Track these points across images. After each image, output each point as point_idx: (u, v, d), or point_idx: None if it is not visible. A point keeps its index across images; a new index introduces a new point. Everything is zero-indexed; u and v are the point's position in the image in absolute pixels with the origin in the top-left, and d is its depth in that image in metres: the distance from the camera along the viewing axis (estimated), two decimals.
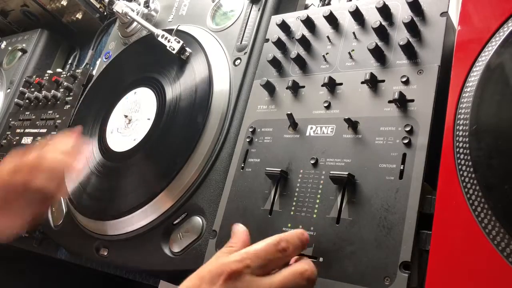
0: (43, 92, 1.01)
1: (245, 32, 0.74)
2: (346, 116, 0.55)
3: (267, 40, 0.70)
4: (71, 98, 0.96)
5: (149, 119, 0.75)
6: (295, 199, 0.55)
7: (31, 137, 0.96)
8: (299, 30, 0.67)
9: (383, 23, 0.58)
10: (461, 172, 0.45)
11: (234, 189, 0.61)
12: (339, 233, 0.51)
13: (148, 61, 0.84)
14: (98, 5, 1.18)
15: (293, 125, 0.60)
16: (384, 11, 0.59)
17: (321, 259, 0.50)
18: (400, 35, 0.57)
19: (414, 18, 0.56)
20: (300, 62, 0.64)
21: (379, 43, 0.58)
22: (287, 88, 0.63)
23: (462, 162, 0.46)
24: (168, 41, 0.77)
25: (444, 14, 0.56)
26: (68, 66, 1.22)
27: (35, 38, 1.19)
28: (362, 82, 0.57)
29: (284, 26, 0.68)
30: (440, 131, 0.49)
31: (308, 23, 0.66)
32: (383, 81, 0.56)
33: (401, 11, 0.59)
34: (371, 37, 0.60)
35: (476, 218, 0.43)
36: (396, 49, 0.57)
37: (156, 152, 0.71)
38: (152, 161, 0.71)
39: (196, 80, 0.73)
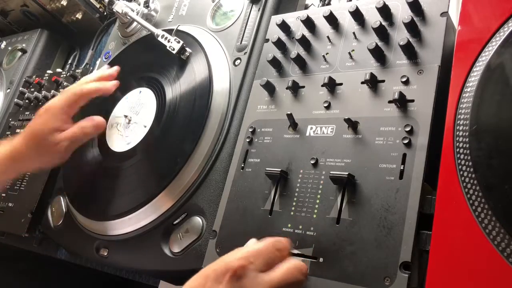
0: (43, 92, 1.01)
1: (245, 32, 0.74)
2: (346, 116, 0.55)
3: (267, 40, 0.70)
4: None
5: (149, 119, 0.75)
6: (295, 199, 0.55)
7: None
8: (299, 30, 0.67)
9: (383, 23, 0.58)
10: (461, 172, 0.45)
11: (234, 189, 0.61)
12: (339, 233, 0.51)
13: (148, 61, 0.84)
14: (98, 5, 1.18)
15: (293, 125, 0.60)
16: (384, 11, 0.59)
17: (321, 259, 0.50)
18: (400, 35, 0.57)
19: (414, 18, 0.56)
20: (300, 62, 0.64)
21: (379, 43, 0.58)
22: (287, 88, 0.63)
23: (462, 162, 0.46)
24: (168, 41, 0.77)
25: (444, 14, 0.56)
26: (68, 66, 1.22)
27: (35, 38, 1.19)
28: (362, 82, 0.57)
29: (284, 26, 0.68)
30: (440, 131, 0.49)
31: (308, 23, 0.66)
32: (383, 81, 0.56)
33: (401, 11, 0.59)
34: (371, 37, 0.60)
35: (476, 218, 0.43)
36: (396, 49, 0.57)
37: (156, 152, 0.71)
38: (151, 161, 0.71)
39: (196, 80, 0.73)
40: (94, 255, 0.72)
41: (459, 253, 0.43)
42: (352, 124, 0.55)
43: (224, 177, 0.64)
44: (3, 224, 0.90)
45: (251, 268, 0.45)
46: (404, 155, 0.50)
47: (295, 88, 0.63)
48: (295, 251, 0.52)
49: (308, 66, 0.64)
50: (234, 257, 0.46)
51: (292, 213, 0.55)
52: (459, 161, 0.46)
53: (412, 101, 0.53)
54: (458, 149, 0.47)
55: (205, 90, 0.70)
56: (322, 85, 0.60)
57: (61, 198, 0.83)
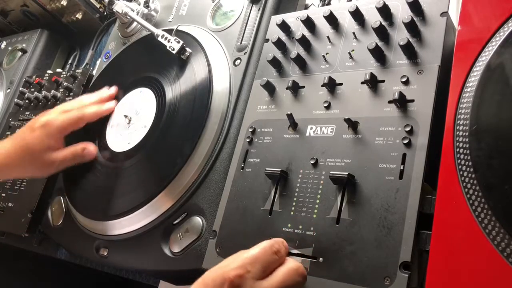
0: (43, 92, 1.01)
1: (245, 32, 0.74)
2: (346, 116, 0.55)
3: (267, 40, 0.70)
4: (71, 98, 0.96)
5: (149, 119, 0.75)
6: (295, 199, 0.55)
7: None
8: (299, 30, 0.67)
9: (383, 23, 0.58)
10: (461, 172, 0.45)
11: (234, 189, 0.61)
12: (339, 233, 0.51)
13: (148, 61, 0.84)
14: (98, 5, 1.18)
15: (293, 125, 0.60)
16: (384, 11, 0.59)
17: (321, 259, 0.50)
18: (400, 35, 0.57)
19: (414, 18, 0.56)
20: (300, 62, 0.64)
21: (379, 43, 0.58)
22: (287, 88, 0.63)
23: (462, 162, 0.46)
24: (168, 41, 0.77)
25: (444, 14, 0.56)
26: (68, 66, 1.22)
27: (35, 38, 1.19)
28: (362, 82, 0.57)
29: (284, 26, 0.68)
30: (440, 131, 0.49)
31: (308, 23, 0.66)
32: (383, 81, 0.56)
33: (401, 11, 0.59)
34: (371, 37, 0.60)
35: (476, 218, 0.43)
36: (396, 49, 0.57)
37: (156, 152, 0.71)
38: (152, 161, 0.71)
39: (196, 80, 0.73)
40: (94, 255, 0.72)
41: (459, 253, 0.43)
42: (352, 124, 0.55)
43: (224, 177, 0.64)
44: (3, 224, 0.90)
45: (248, 277, 0.44)
46: (404, 155, 0.50)
47: (295, 88, 0.63)
48: (295, 251, 0.52)
49: (308, 66, 0.64)
50: (231, 266, 0.45)
51: (292, 213, 0.55)
52: (459, 161, 0.46)
53: (412, 101, 0.53)
54: (458, 149, 0.47)
55: (205, 90, 0.70)
56: (322, 85, 0.60)
57: (61, 198, 0.83)
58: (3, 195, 0.92)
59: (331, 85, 0.60)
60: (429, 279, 0.43)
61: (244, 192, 0.60)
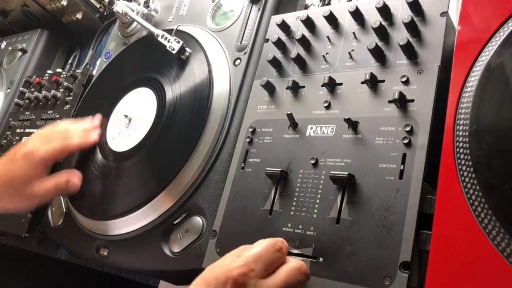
0: (43, 92, 1.01)
1: (245, 32, 0.74)
2: (346, 116, 0.55)
3: (267, 40, 0.70)
4: (71, 98, 0.96)
5: (149, 119, 0.75)
6: (295, 199, 0.55)
7: None
8: (299, 30, 0.67)
9: (383, 23, 0.59)
10: (461, 172, 0.45)
11: (234, 189, 0.61)
12: (339, 233, 0.51)
13: (148, 61, 0.84)
14: (98, 5, 1.18)
15: (293, 125, 0.60)
16: (384, 11, 0.59)
17: (321, 259, 0.50)
18: (400, 35, 0.57)
19: (414, 18, 0.56)
20: (300, 62, 0.64)
21: (379, 43, 0.58)
22: (287, 88, 0.63)
23: (462, 162, 0.46)
24: (168, 41, 0.77)
25: (444, 14, 0.56)
26: (68, 66, 1.22)
27: (35, 38, 1.19)
28: (362, 82, 0.57)
29: (284, 26, 0.68)
30: (440, 131, 0.49)
31: (308, 23, 0.66)
32: (383, 81, 0.56)
33: (401, 11, 0.59)
34: (371, 37, 0.60)
35: (476, 218, 0.43)
36: (396, 49, 0.57)
37: (156, 152, 0.71)
38: (152, 161, 0.71)
39: (196, 80, 0.73)
40: (94, 255, 0.72)
41: (459, 253, 0.43)
42: (352, 124, 0.55)
43: (224, 177, 0.64)
44: (3, 224, 0.90)
45: (252, 276, 0.44)
46: (404, 155, 0.50)
47: (295, 88, 0.63)
48: (295, 251, 0.52)
49: (308, 66, 0.64)
50: (234, 264, 0.45)
51: (292, 213, 0.55)
52: (459, 161, 0.46)
53: (412, 101, 0.53)
54: (458, 149, 0.47)
55: (205, 90, 0.70)
56: (322, 85, 0.60)
57: (61, 198, 0.83)
58: None
59: (331, 85, 0.60)
60: (429, 279, 0.43)
61: (244, 192, 0.60)
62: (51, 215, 0.83)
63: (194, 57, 0.76)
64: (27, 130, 0.99)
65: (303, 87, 0.63)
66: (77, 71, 1.00)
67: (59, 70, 1.06)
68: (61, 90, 0.99)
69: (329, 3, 0.79)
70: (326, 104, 0.59)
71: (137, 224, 0.68)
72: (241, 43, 0.74)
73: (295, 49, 0.65)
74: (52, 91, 0.99)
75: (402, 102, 0.53)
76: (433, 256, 0.44)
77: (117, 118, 0.81)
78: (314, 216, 0.53)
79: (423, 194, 0.48)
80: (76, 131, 0.77)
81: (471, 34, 0.51)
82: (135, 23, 0.90)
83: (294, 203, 0.55)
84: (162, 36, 0.78)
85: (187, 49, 0.76)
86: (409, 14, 0.57)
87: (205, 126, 0.67)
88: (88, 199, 0.77)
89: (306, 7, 0.82)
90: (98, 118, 0.80)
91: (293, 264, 0.48)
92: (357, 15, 0.62)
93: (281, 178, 0.57)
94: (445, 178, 0.46)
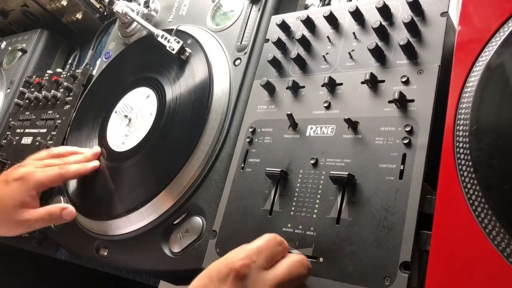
0: (43, 92, 1.01)
1: (245, 32, 0.74)
2: (346, 116, 0.55)
3: (267, 40, 0.70)
4: (71, 98, 0.96)
5: (149, 119, 0.75)
6: (295, 199, 0.55)
7: (31, 137, 0.96)
8: (299, 30, 0.67)
9: (383, 23, 0.58)
10: (461, 172, 0.45)
11: (234, 189, 0.61)
12: (339, 233, 0.51)
13: (148, 61, 0.84)
14: (98, 5, 1.18)
15: (293, 125, 0.60)
16: (384, 11, 0.59)
17: (321, 259, 0.50)
18: (400, 35, 0.57)
19: (414, 18, 0.56)
20: (300, 62, 0.64)
21: (379, 43, 0.58)
22: (287, 88, 0.63)
23: (462, 162, 0.46)
24: (168, 41, 0.77)
25: (444, 14, 0.56)
26: (68, 66, 1.22)
27: (35, 38, 1.19)
28: (362, 82, 0.57)
29: (284, 26, 0.68)
30: (440, 131, 0.49)
31: (308, 23, 0.66)
32: (383, 81, 0.56)
33: (401, 11, 0.59)
34: (371, 37, 0.60)
35: (476, 218, 0.43)
36: (396, 49, 0.57)
37: (156, 152, 0.71)
38: (152, 161, 0.71)
39: (196, 80, 0.73)
40: (94, 255, 0.72)
41: (459, 253, 0.43)
42: (352, 124, 0.55)
43: (224, 177, 0.64)
44: None
45: (254, 267, 0.44)
46: (404, 155, 0.50)
47: (295, 88, 0.63)
48: (295, 251, 0.52)
49: (308, 66, 0.64)
50: (237, 256, 0.45)
51: (292, 213, 0.55)
52: (459, 161, 0.46)
53: (412, 101, 0.53)
54: (458, 149, 0.47)
55: (205, 90, 0.70)
56: (322, 85, 0.60)
57: (61, 198, 0.82)
58: None
59: (331, 85, 0.60)
60: (429, 279, 0.43)
61: (244, 192, 0.60)
62: None
63: (194, 57, 0.76)
64: (27, 130, 0.99)
65: (303, 87, 0.63)
66: (77, 71, 1.00)
67: (59, 70, 1.06)
68: (61, 90, 0.99)
69: (329, 3, 0.79)
70: (326, 104, 0.59)
71: (137, 224, 0.68)
72: (241, 43, 0.74)
73: (295, 49, 0.65)
74: (52, 91, 0.99)
75: (402, 102, 0.53)
76: (433, 256, 0.44)
77: (117, 118, 0.81)
78: (314, 216, 0.53)
79: (423, 194, 0.48)
80: (75, 159, 0.75)
81: (471, 34, 0.51)
82: (135, 23, 0.90)
83: (294, 203, 0.55)
84: (162, 36, 0.78)
85: (187, 49, 0.76)
86: (409, 14, 0.57)
87: (205, 126, 0.67)
88: (88, 199, 0.77)
89: (306, 7, 0.82)
90: (97, 148, 0.79)
91: (294, 257, 0.48)
92: (357, 15, 0.62)
93: (281, 178, 0.57)
94: (445, 178, 0.46)
